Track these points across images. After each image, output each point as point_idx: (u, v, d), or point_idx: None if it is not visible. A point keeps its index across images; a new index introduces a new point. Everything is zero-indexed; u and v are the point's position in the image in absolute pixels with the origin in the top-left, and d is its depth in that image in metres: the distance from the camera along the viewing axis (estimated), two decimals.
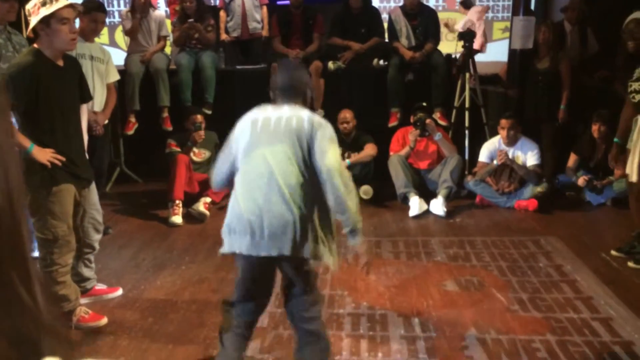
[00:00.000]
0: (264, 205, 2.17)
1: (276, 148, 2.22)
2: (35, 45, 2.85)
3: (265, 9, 6.53)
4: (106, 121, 4.59)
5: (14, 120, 2.88)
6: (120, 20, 8.11)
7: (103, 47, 4.74)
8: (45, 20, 2.73)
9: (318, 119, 2.31)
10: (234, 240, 2.23)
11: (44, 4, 2.70)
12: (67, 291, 2.99)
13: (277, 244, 2.17)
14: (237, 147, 2.31)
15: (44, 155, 2.80)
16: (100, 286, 3.46)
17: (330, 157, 2.20)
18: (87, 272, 3.34)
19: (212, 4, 6.74)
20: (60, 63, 2.90)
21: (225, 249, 2.28)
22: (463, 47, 5.72)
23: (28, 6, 2.76)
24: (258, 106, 2.40)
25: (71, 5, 2.79)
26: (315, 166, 2.21)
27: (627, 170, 3.99)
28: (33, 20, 2.74)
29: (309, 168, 2.22)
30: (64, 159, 2.86)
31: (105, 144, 4.92)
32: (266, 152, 2.23)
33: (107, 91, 4.55)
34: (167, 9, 7.11)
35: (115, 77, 4.65)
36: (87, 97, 3.20)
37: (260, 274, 2.32)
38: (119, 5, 8.26)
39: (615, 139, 4.13)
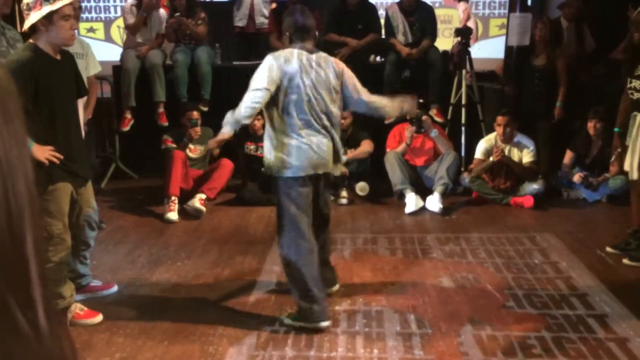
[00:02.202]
0: None
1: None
2: (31, 40, 2.84)
3: (274, 5, 6.53)
4: (89, 117, 4.53)
5: None
6: (116, 15, 8.09)
7: (82, 40, 4.58)
8: (48, 16, 2.74)
9: (340, 63, 3.11)
10: None
11: (46, 0, 2.71)
12: (61, 289, 2.98)
13: None
14: (287, 89, 2.86)
15: (42, 153, 2.79)
16: (96, 283, 3.44)
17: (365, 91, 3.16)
18: (82, 268, 3.33)
19: None
20: (58, 57, 2.90)
21: None
22: (460, 43, 5.72)
23: (27, 0, 2.75)
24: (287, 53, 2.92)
25: (71, 2, 2.81)
26: (349, 97, 3.09)
27: (626, 167, 3.99)
28: (34, 16, 2.74)
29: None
30: (61, 156, 2.86)
31: (91, 141, 4.87)
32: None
33: (88, 85, 4.39)
34: None
35: (95, 68, 4.48)
36: (83, 92, 3.20)
37: None
38: (114, 1, 8.22)
39: (616, 129, 4.13)
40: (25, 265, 0.42)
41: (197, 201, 4.90)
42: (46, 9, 2.71)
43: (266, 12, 6.47)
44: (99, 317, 3.10)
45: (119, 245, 4.25)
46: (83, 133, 3.27)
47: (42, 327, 0.42)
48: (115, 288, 3.45)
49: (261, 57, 6.78)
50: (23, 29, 2.86)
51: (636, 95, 3.82)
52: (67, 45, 2.94)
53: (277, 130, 2.91)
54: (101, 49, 7.09)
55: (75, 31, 3.00)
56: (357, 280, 3.58)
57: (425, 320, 3.07)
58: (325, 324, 2.95)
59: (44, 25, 2.76)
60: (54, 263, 2.92)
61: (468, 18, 6.66)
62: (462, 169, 5.43)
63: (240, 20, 6.46)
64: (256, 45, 6.58)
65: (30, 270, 0.42)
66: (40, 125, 2.82)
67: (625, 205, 4.73)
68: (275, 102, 2.88)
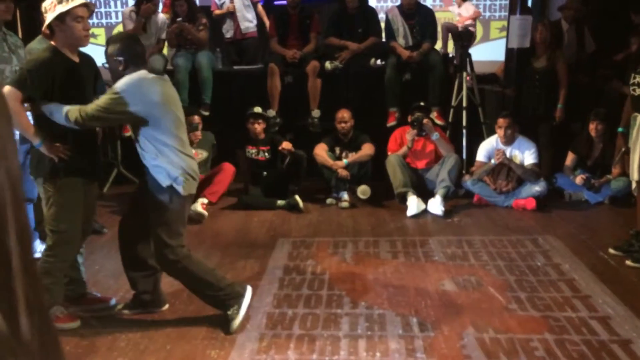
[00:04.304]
0: None
1: None
2: (52, 42, 2.95)
3: (259, 6, 6.53)
4: None
5: (28, 113, 2.98)
6: (117, 21, 8.11)
7: None
8: (61, 17, 2.83)
9: None
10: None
11: (60, 2, 2.82)
12: (54, 287, 2.97)
13: None
14: None
15: (53, 150, 2.88)
16: (93, 294, 3.36)
17: None
18: (74, 273, 3.26)
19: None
20: (76, 59, 2.99)
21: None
22: (460, 46, 5.73)
23: (45, 4, 2.87)
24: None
25: (85, 4, 2.90)
26: None
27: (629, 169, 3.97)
28: (49, 17, 2.85)
29: None
30: (69, 153, 2.92)
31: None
32: None
33: None
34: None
35: None
36: (101, 92, 3.26)
37: None
38: (116, 6, 8.24)
39: (620, 129, 4.10)
40: (6, 268, 0.42)
41: (199, 205, 4.90)
42: (58, 9, 2.82)
43: (250, 16, 6.48)
44: (77, 323, 3.07)
45: None
46: (100, 132, 3.30)
47: (21, 322, 0.42)
48: (113, 301, 3.36)
49: (251, 62, 6.77)
50: (42, 30, 3.00)
51: (638, 92, 3.79)
52: (81, 46, 3.03)
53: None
54: (102, 54, 7.10)
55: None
56: (358, 284, 3.58)
57: (428, 323, 3.07)
58: (249, 290, 3.10)
59: (57, 26, 2.86)
60: (58, 259, 2.94)
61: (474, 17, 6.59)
62: (464, 172, 5.43)
63: (228, 32, 6.52)
64: (245, 50, 6.58)
65: (12, 273, 0.42)
66: (55, 122, 2.89)
67: (628, 207, 4.73)
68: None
